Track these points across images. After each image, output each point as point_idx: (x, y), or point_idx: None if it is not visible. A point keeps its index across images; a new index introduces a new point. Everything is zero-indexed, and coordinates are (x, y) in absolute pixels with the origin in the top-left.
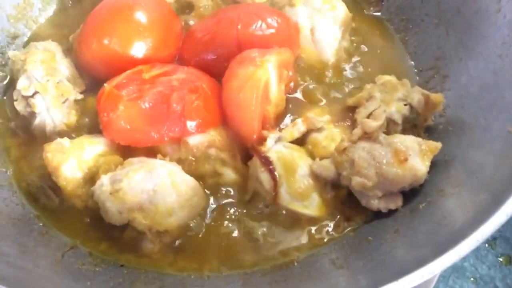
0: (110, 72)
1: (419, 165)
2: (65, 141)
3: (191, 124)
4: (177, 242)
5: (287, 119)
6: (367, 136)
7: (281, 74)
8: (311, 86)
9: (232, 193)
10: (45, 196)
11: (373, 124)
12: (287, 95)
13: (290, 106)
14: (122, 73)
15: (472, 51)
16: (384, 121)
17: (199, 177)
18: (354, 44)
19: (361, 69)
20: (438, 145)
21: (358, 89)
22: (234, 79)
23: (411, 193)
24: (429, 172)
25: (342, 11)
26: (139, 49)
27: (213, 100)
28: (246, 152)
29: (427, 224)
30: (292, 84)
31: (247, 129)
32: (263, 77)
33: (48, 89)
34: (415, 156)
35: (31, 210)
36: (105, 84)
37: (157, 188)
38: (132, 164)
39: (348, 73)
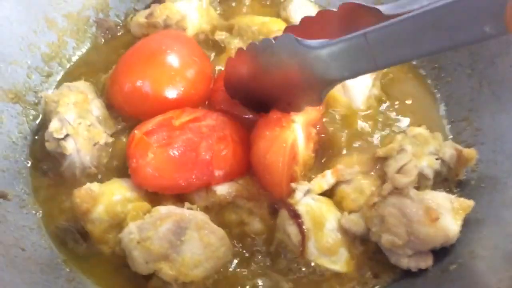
0: (142, 114)
1: (451, 225)
2: (95, 186)
3: (219, 173)
4: None
5: None
6: (398, 191)
7: (308, 133)
8: (338, 134)
9: (257, 243)
10: (73, 240)
11: (404, 180)
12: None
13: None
14: (152, 114)
15: (506, 104)
16: (415, 177)
17: (225, 226)
18: (385, 91)
19: (391, 117)
20: (471, 203)
21: (387, 138)
22: (260, 141)
23: (442, 252)
24: (460, 231)
25: None
26: (170, 92)
27: (242, 148)
28: (274, 202)
29: None
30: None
31: (274, 190)
32: (289, 139)
33: (79, 132)
34: (447, 214)
35: (59, 254)
36: (135, 131)
37: (184, 239)
38: (160, 213)
39: (377, 120)
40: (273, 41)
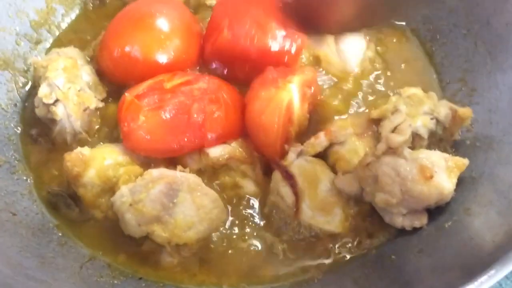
0: (132, 79)
1: (446, 183)
2: (85, 150)
3: (211, 135)
4: (196, 256)
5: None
6: (392, 151)
7: (304, 94)
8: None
9: (252, 205)
10: (65, 205)
11: (398, 139)
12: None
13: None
14: (143, 80)
15: (502, 64)
16: (410, 136)
17: (219, 189)
18: (379, 54)
19: (385, 79)
20: (465, 161)
21: (382, 101)
22: (256, 101)
23: (437, 211)
24: (455, 190)
25: None
26: (160, 56)
27: (234, 111)
28: (267, 164)
29: (453, 245)
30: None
31: (269, 150)
32: (285, 99)
33: (69, 97)
34: (441, 172)
35: (51, 219)
36: (126, 94)
37: (177, 201)
38: (152, 176)
39: (372, 83)
40: None
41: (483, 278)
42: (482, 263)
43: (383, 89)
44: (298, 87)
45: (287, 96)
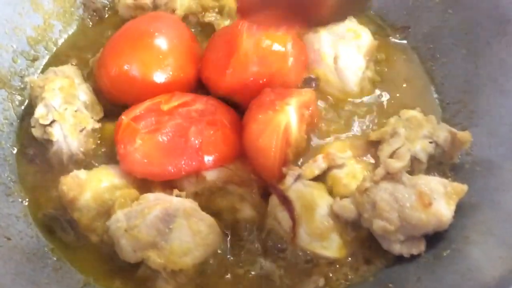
0: (129, 98)
1: (444, 210)
2: (82, 173)
3: (208, 159)
4: (192, 282)
5: None
6: (390, 176)
7: (302, 115)
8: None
9: (249, 230)
10: (60, 229)
11: (397, 165)
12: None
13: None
14: (141, 99)
15: (502, 86)
16: (408, 161)
17: (216, 213)
18: (378, 73)
19: (385, 99)
20: (464, 187)
21: (381, 121)
22: (253, 124)
23: (435, 238)
24: (454, 216)
25: (367, 39)
26: (158, 76)
27: (232, 133)
28: (265, 187)
29: (451, 275)
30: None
31: (267, 173)
32: (282, 122)
33: (66, 118)
34: (440, 199)
35: (46, 243)
36: (123, 117)
37: (173, 226)
38: (148, 201)
39: (371, 103)
40: None
41: None
42: None
43: (382, 108)
44: (296, 109)
45: (285, 119)
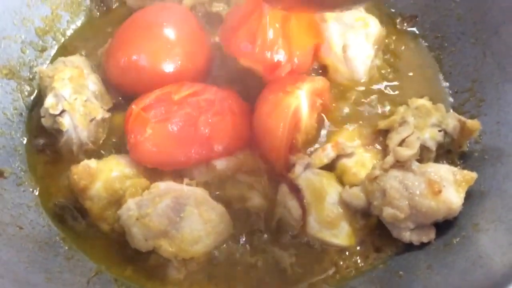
0: (138, 88)
1: (454, 197)
2: (92, 162)
3: (218, 147)
4: (203, 270)
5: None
6: (400, 164)
7: (313, 102)
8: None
9: (259, 218)
10: (72, 218)
11: (406, 153)
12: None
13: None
14: (150, 89)
15: (510, 75)
16: (418, 149)
17: (226, 202)
18: (387, 62)
19: (394, 87)
20: (474, 175)
21: (390, 109)
22: (264, 105)
23: (445, 226)
24: (463, 204)
25: (375, 28)
26: (167, 66)
27: (241, 122)
28: (274, 176)
29: (462, 263)
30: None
31: (273, 154)
32: (292, 104)
33: (75, 107)
34: (450, 187)
35: (57, 232)
36: (133, 106)
37: (183, 215)
38: (159, 189)
39: (380, 91)
40: None
41: None
42: (491, 284)
43: (391, 97)
44: (307, 94)
45: (295, 102)
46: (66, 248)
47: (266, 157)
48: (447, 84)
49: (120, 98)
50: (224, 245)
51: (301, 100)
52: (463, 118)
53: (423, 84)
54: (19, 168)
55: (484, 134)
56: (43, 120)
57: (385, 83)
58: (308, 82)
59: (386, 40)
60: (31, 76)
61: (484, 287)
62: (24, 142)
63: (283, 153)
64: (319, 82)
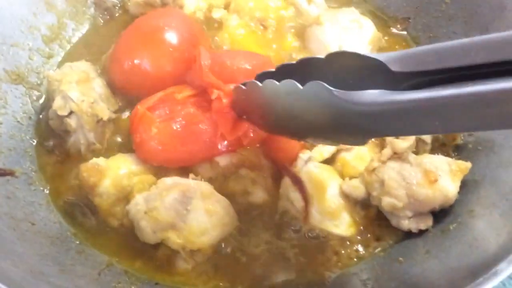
0: (142, 91)
1: (450, 186)
2: (101, 160)
3: (221, 145)
4: (210, 261)
5: None
6: (397, 156)
7: None
8: None
9: (262, 212)
10: (81, 214)
11: (402, 144)
12: None
13: None
14: (153, 92)
15: None
16: (414, 141)
17: (229, 196)
18: None
19: None
20: (468, 165)
21: None
22: None
23: (442, 213)
24: (459, 193)
25: (370, 30)
26: (169, 69)
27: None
28: (276, 171)
29: (459, 246)
30: None
31: (285, 155)
32: None
33: (83, 109)
34: (445, 176)
35: (68, 228)
36: (138, 106)
37: (190, 208)
38: (165, 184)
39: None
40: (300, 87)
41: (487, 277)
42: (486, 263)
43: None
44: None
45: None
46: (77, 243)
47: (273, 156)
48: None
49: (125, 101)
50: (230, 237)
51: None
52: None
53: None
54: (30, 169)
55: None
56: (51, 122)
57: None
58: None
59: (380, 43)
60: (39, 82)
61: (479, 266)
62: (34, 144)
63: (295, 155)
64: None
